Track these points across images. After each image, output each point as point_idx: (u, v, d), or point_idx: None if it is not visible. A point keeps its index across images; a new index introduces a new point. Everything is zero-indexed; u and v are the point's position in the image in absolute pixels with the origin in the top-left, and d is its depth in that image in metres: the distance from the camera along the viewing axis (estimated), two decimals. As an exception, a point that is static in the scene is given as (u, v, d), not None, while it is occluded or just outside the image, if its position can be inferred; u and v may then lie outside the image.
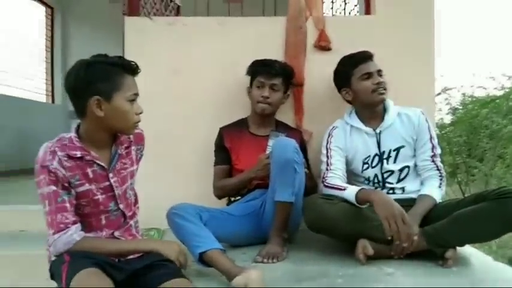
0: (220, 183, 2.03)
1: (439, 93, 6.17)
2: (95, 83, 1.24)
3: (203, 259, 1.49)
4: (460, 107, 6.47)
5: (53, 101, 5.68)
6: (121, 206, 1.36)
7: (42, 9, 5.55)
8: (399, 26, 2.25)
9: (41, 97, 5.54)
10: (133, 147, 1.43)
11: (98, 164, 1.31)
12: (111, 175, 1.33)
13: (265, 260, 1.67)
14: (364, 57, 1.93)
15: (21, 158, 4.10)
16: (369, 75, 1.90)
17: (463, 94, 6.33)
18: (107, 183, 1.33)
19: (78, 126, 1.32)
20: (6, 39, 4.72)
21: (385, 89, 1.88)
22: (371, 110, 1.94)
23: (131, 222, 1.44)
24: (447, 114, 6.68)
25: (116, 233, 1.37)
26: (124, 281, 1.24)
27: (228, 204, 2.04)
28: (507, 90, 6.02)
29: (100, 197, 1.32)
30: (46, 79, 5.66)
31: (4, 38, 4.67)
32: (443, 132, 6.41)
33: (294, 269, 1.60)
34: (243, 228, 1.86)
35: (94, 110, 1.24)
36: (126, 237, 1.40)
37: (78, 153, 1.27)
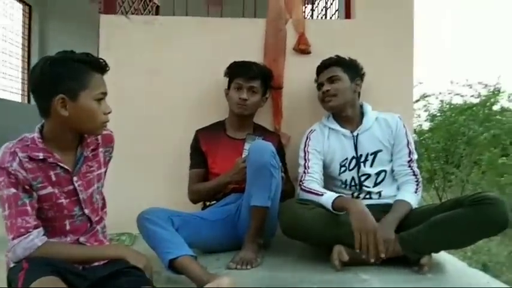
0: (195, 187, 1.97)
1: (418, 100, 6.26)
2: (59, 80, 1.17)
3: (173, 266, 1.43)
4: (438, 114, 6.57)
5: (28, 101, 5.52)
6: (86, 211, 1.30)
7: (19, 6, 5.40)
8: (378, 30, 2.25)
9: (17, 97, 5.38)
10: (101, 149, 1.36)
11: (62, 167, 1.24)
12: (75, 179, 1.27)
13: (238, 267, 1.62)
14: (322, 66, 1.99)
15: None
16: (320, 85, 1.96)
17: (441, 101, 6.43)
18: (71, 187, 1.26)
19: (42, 126, 1.25)
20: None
21: (333, 96, 1.90)
22: (344, 114, 1.94)
23: (98, 227, 1.37)
24: (425, 121, 6.77)
25: (81, 239, 1.31)
26: (88, 289, 1.18)
27: (203, 209, 1.99)
28: (483, 98, 6.14)
29: (64, 201, 1.26)
30: (22, 78, 5.50)
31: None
32: (421, 138, 6.50)
33: (268, 276, 1.56)
34: (217, 233, 1.81)
35: (58, 110, 1.18)
36: (92, 243, 1.33)
37: (41, 155, 1.20)
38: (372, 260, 1.58)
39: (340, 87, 1.90)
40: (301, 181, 1.85)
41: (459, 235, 1.56)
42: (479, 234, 1.56)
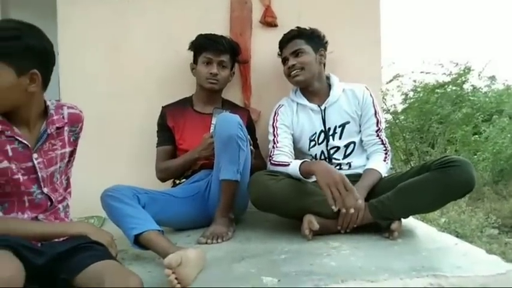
0: (163, 165, 1.93)
1: (391, 80, 6.32)
2: None
3: (139, 241, 1.39)
4: (411, 94, 6.65)
5: None
6: (45, 190, 1.24)
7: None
8: (346, 0, 2.22)
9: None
10: (66, 128, 1.30)
11: (21, 142, 1.18)
12: (35, 155, 1.21)
13: (209, 241, 1.60)
14: (284, 40, 1.93)
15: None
16: (285, 60, 1.92)
17: (414, 81, 6.50)
18: (30, 163, 1.20)
19: None
20: None
21: (300, 69, 1.86)
22: (311, 89, 1.91)
23: (59, 206, 1.31)
24: (400, 103, 6.85)
25: (40, 216, 1.24)
26: (45, 265, 1.12)
27: (172, 187, 1.94)
28: (454, 76, 6.24)
29: (21, 177, 1.19)
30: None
31: None
32: (396, 119, 6.59)
33: (238, 248, 1.54)
34: (187, 210, 1.77)
35: None
36: (52, 220, 1.27)
37: None
38: (342, 230, 1.61)
39: (306, 60, 1.86)
40: (270, 156, 1.83)
41: (427, 199, 1.56)
42: (446, 196, 1.56)
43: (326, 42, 1.96)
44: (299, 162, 1.65)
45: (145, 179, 1.90)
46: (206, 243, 1.59)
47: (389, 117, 6.45)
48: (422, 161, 6.58)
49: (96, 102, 2.06)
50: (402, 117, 6.80)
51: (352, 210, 1.52)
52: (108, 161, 2.13)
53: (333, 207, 1.50)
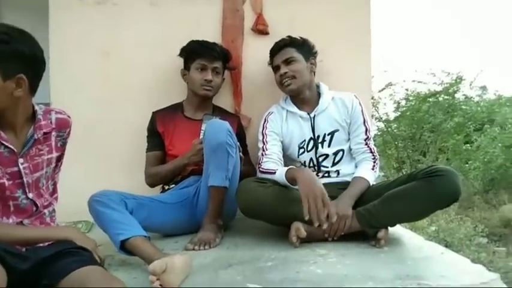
0: (152, 170, 1.92)
1: (383, 89, 6.38)
2: None
3: (125, 247, 1.38)
4: (404, 103, 6.71)
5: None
6: (30, 195, 1.23)
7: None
8: (336, 8, 2.24)
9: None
10: (53, 133, 1.30)
11: (7, 147, 1.17)
12: (21, 160, 1.20)
13: (196, 247, 1.59)
14: (276, 48, 1.94)
15: None
16: (276, 68, 1.92)
17: (406, 89, 6.57)
18: (15, 168, 1.20)
19: None
20: None
21: (292, 78, 1.87)
22: (301, 96, 1.93)
23: (45, 211, 1.30)
24: (393, 111, 6.92)
25: (25, 221, 1.24)
26: (30, 270, 1.11)
27: (161, 193, 1.94)
28: (446, 85, 6.32)
29: (6, 182, 1.19)
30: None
31: None
32: (388, 128, 6.64)
33: (225, 255, 1.53)
34: (175, 216, 1.77)
35: None
36: (37, 225, 1.27)
37: None
38: (329, 238, 1.61)
39: (297, 68, 1.88)
40: (259, 164, 1.84)
41: (413, 207, 1.57)
42: (432, 206, 1.58)
43: (316, 52, 1.98)
44: (285, 169, 1.66)
45: (134, 184, 1.90)
46: (193, 249, 1.58)
47: (381, 125, 6.51)
48: (414, 169, 6.63)
49: (86, 107, 2.06)
50: (394, 125, 6.86)
51: (325, 226, 1.50)
52: (98, 166, 2.13)
53: (306, 217, 1.49)
